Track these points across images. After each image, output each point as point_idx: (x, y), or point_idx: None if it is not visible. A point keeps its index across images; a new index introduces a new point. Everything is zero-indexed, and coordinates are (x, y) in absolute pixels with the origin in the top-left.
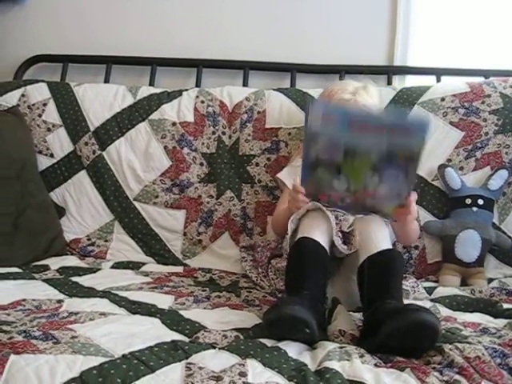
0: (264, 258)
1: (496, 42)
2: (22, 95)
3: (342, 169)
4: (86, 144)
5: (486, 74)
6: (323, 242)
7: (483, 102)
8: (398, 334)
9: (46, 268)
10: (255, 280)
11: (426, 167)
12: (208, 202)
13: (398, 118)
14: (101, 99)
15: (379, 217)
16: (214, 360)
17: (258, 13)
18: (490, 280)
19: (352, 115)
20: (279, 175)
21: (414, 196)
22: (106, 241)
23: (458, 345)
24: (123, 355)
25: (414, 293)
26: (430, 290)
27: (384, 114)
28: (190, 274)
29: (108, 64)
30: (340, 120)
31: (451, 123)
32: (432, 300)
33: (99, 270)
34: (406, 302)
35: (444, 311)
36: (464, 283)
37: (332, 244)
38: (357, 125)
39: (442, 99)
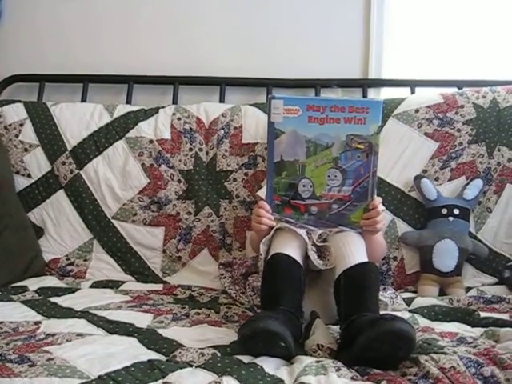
0: (239, 275)
1: (468, 53)
2: None
3: (306, 171)
4: (64, 163)
5: (459, 84)
6: (296, 256)
7: (457, 113)
8: (373, 344)
9: (25, 289)
10: (234, 296)
11: (403, 178)
12: (186, 219)
13: (354, 100)
14: (77, 118)
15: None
16: (191, 378)
17: (233, 29)
18: (469, 289)
19: (310, 100)
20: (259, 193)
21: (378, 199)
22: (85, 260)
23: (434, 355)
24: (99, 376)
25: (393, 304)
26: (408, 301)
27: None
28: (170, 291)
29: (85, 83)
30: (301, 111)
31: (426, 134)
32: (410, 311)
33: (78, 289)
34: (383, 313)
35: (422, 321)
36: (442, 293)
37: (306, 257)
38: (315, 116)
39: (417, 111)
